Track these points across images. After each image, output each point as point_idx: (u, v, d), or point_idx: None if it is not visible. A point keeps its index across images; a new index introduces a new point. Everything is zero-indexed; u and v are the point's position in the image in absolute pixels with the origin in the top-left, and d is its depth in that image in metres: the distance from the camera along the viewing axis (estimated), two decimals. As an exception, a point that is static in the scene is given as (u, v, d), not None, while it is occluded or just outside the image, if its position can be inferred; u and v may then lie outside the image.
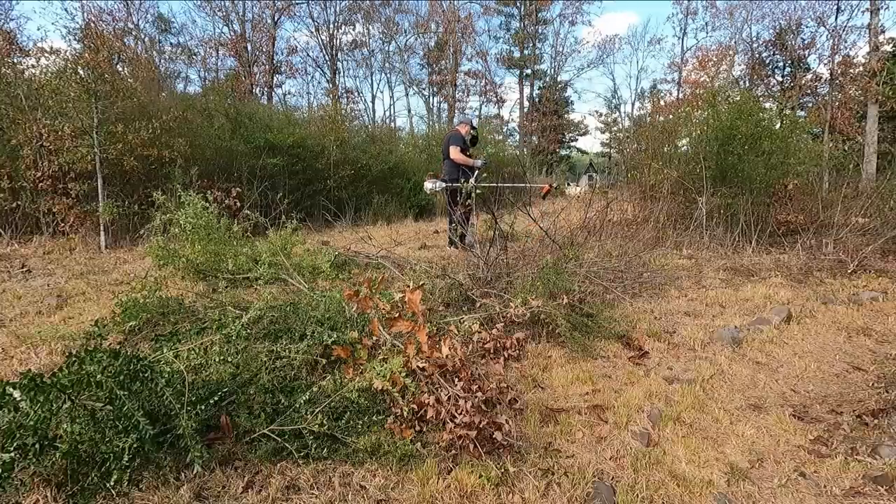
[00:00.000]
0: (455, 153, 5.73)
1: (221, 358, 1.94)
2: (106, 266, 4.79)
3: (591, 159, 34.21)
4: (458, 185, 5.59)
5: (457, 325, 2.78)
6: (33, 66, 7.17)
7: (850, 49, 17.57)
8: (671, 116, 8.93)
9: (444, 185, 5.79)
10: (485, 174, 5.61)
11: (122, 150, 5.90)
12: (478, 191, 5.51)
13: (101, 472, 1.48)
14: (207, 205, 4.12)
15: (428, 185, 5.94)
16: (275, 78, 22.57)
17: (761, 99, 15.06)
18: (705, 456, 1.85)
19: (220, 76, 20.72)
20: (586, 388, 2.38)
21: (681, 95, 23.16)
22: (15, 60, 7.98)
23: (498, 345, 2.65)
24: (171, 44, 22.62)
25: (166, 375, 1.71)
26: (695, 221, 6.29)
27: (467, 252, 5.06)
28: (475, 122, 6.33)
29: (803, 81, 18.45)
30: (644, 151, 7.73)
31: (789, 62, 20.82)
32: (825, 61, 17.68)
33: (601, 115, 32.43)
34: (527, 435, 1.94)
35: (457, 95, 26.23)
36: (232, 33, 21.10)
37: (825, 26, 17.43)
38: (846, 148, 12.60)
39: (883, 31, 15.73)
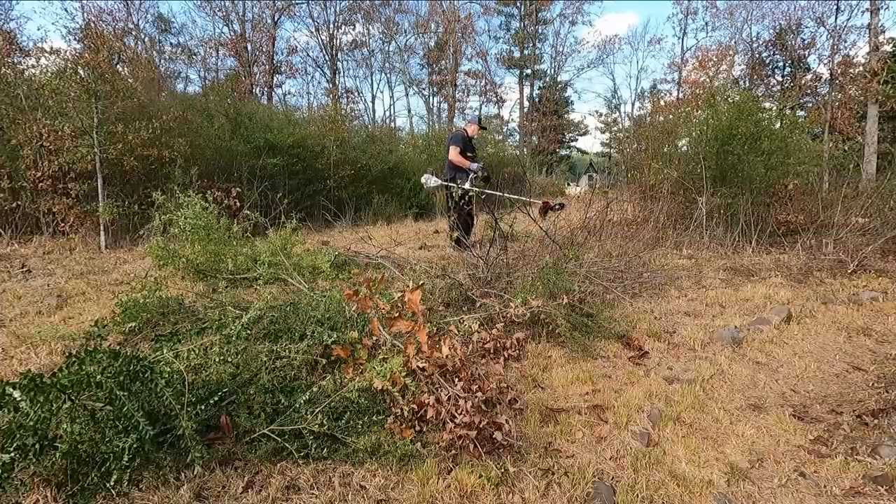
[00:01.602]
0: (452, 154, 5.64)
1: (221, 358, 1.94)
2: (106, 266, 4.78)
3: (591, 159, 34.21)
4: (452, 186, 5.58)
5: (457, 325, 2.78)
6: (33, 66, 7.19)
7: (850, 49, 17.57)
8: (671, 116, 8.93)
9: (438, 182, 5.78)
10: (478, 176, 5.51)
11: (122, 150, 5.89)
12: (470, 194, 5.42)
13: (101, 472, 1.48)
14: (207, 205, 4.12)
15: (424, 178, 5.89)
16: (275, 78, 22.59)
17: (761, 99, 15.05)
18: (705, 456, 1.85)
19: (220, 76, 20.74)
20: (586, 388, 2.38)
21: (681, 95, 23.17)
22: (15, 60, 7.98)
23: (498, 345, 2.65)
24: (171, 44, 22.67)
25: (166, 376, 1.71)
26: (695, 221, 6.29)
27: (461, 253, 5.09)
28: (475, 119, 6.20)
29: (803, 81, 18.45)
30: (644, 151, 7.73)
31: (789, 62, 20.83)
32: (825, 61, 17.70)
33: (601, 115, 32.47)
34: (527, 435, 1.94)
35: (457, 95, 26.23)
36: (232, 33, 21.11)
37: (825, 26, 17.45)
38: (846, 148, 12.58)
39: (883, 31, 15.74)
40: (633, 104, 29.98)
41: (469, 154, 5.75)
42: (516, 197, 5.56)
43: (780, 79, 21.71)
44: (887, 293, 4.07)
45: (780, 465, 1.83)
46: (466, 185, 5.47)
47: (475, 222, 6.07)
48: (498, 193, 5.44)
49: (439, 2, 24.32)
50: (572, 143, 34.04)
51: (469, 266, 3.92)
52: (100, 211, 5.70)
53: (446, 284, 3.37)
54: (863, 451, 1.88)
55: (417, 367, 2.04)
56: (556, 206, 5.28)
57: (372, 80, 31.65)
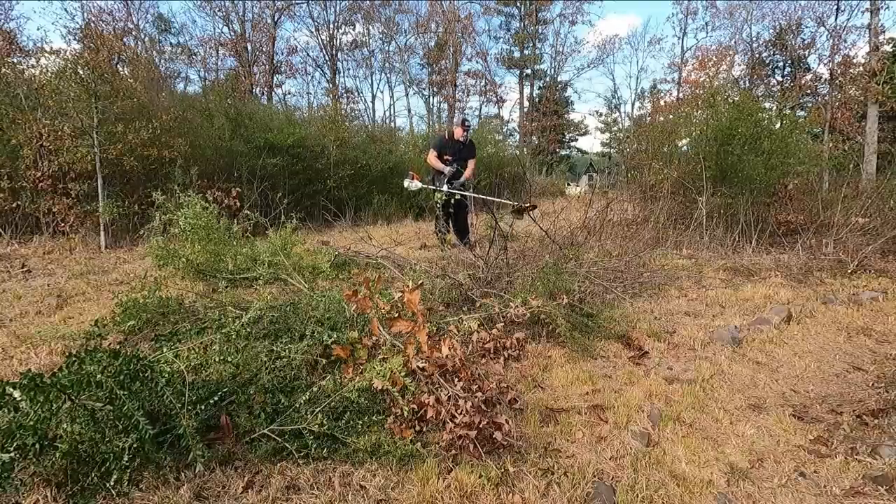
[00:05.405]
0: (429, 157, 5.80)
1: (221, 358, 1.94)
2: (106, 266, 4.78)
3: (591, 159, 34.20)
4: (432, 188, 5.71)
5: (457, 325, 2.78)
6: (33, 66, 7.18)
7: (850, 49, 17.57)
8: (671, 116, 8.93)
9: (419, 185, 5.86)
10: (451, 178, 5.58)
11: (122, 150, 5.89)
12: (445, 197, 5.52)
13: (101, 472, 1.48)
14: (207, 205, 4.12)
15: (406, 182, 5.93)
16: (275, 78, 22.54)
17: (761, 99, 15.02)
18: (705, 456, 1.85)
19: (220, 76, 20.74)
20: (586, 388, 2.38)
21: (681, 95, 23.15)
22: (15, 60, 7.98)
23: (498, 345, 2.65)
24: (171, 44, 22.62)
25: (166, 375, 1.71)
26: (695, 221, 6.29)
27: (452, 248, 5.29)
28: (459, 121, 6.21)
29: (803, 81, 18.44)
30: (644, 151, 7.74)
31: (789, 62, 20.83)
32: (825, 61, 17.69)
33: (601, 115, 32.45)
34: (527, 435, 1.93)
35: (457, 95, 26.16)
36: (232, 33, 21.08)
37: (825, 26, 17.45)
38: (846, 148, 12.58)
39: (883, 31, 15.72)
40: (633, 104, 29.98)
41: (447, 157, 5.78)
42: (490, 198, 5.60)
43: (780, 79, 21.72)
44: (887, 293, 4.07)
45: (780, 465, 1.83)
46: (444, 188, 5.59)
47: (474, 221, 6.10)
48: (471, 194, 5.53)
49: (439, 2, 24.30)
50: (572, 143, 34.05)
51: (469, 266, 3.92)
52: (100, 211, 5.70)
53: (446, 284, 3.37)
54: (863, 451, 1.88)
55: (417, 367, 2.04)
56: (529, 207, 5.35)
57: (372, 80, 31.62)
